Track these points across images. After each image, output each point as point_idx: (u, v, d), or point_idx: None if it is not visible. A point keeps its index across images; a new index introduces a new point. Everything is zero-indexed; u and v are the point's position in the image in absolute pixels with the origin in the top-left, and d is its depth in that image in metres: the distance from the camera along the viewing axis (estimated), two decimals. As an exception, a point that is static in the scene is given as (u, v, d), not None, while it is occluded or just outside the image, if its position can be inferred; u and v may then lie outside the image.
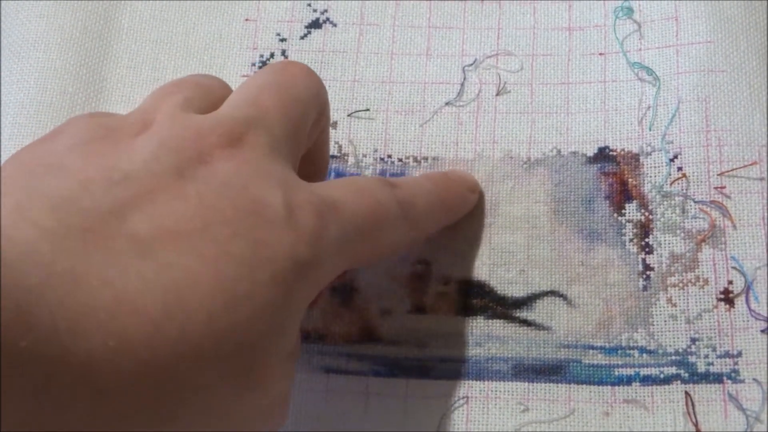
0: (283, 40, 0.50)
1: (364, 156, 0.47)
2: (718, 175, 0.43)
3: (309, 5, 0.51)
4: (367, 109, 0.48)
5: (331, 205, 0.34)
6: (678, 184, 0.43)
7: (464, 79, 0.48)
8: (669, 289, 0.42)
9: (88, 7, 0.51)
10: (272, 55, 0.50)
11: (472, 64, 0.48)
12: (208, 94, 0.36)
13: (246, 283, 0.30)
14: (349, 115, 0.48)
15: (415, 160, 0.47)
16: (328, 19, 0.50)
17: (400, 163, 0.47)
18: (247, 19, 0.51)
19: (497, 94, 0.47)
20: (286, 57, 0.50)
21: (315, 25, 0.50)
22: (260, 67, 0.49)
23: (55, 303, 0.26)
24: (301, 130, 0.37)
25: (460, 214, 0.44)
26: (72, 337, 0.26)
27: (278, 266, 0.31)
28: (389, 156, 0.47)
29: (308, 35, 0.50)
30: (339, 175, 0.47)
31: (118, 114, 0.36)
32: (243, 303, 0.29)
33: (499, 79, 0.48)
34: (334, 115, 0.48)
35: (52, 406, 0.25)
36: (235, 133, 0.33)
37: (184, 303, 0.28)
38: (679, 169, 0.44)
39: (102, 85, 0.49)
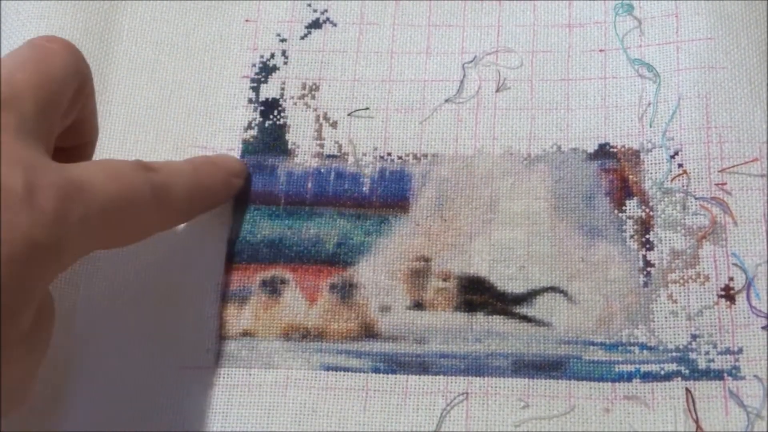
0: (283, 40, 0.50)
1: (364, 155, 0.47)
2: (718, 171, 0.43)
3: (309, 5, 0.51)
4: (367, 108, 0.48)
5: (78, 187, 0.34)
6: (678, 180, 0.43)
7: (464, 76, 0.48)
8: (669, 285, 0.42)
9: (89, 8, 0.51)
10: (272, 56, 0.50)
11: (471, 61, 0.48)
12: None
13: None
14: (349, 115, 0.48)
15: (415, 157, 0.47)
16: (328, 18, 0.50)
17: (399, 160, 0.47)
18: (247, 20, 0.51)
19: (497, 91, 0.47)
20: (286, 57, 0.50)
21: (315, 25, 0.50)
22: (261, 68, 0.49)
23: None
24: (55, 107, 0.37)
25: (223, 199, 0.45)
26: None
27: (11, 248, 0.30)
28: (389, 154, 0.47)
29: (308, 35, 0.50)
30: (339, 174, 0.47)
31: None
32: None
33: (499, 75, 0.48)
34: (334, 115, 0.48)
35: None
36: None
37: None
38: (680, 165, 0.44)
39: (103, 85, 0.49)
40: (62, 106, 0.37)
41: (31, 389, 0.36)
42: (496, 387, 0.42)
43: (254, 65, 0.50)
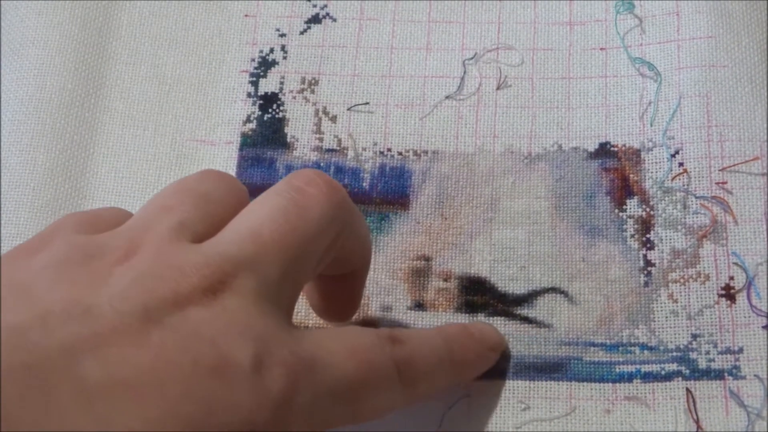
0: (282, 35, 0.50)
1: (364, 149, 0.47)
2: (719, 170, 0.43)
3: (308, 0, 0.50)
4: (367, 103, 0.48)
5: (309, 366, 0.31)
6: (679, 179, 0.43)
7: (464, 72, 0.48)
8: (670, 285, 0.42)
9: (87, 4, 0.51)
10: (272, 50, 0.49)
11: (472, 58, 0.48)
12: (209, 215, 0.33)
13: None
14: (348, 109, 0.48)
15: (415, 153, 0.46)
16: (327, 14, 0.50)
17: (399, 156, 0.46)
18: (246, 15, 0.50)
19: (498, 88, 0.47)
20: (285, 52, 0.49)
21: (315, 20, 0.50)
22: (260, 63, 0.49)
23: None
24: (304, 267, 0.34)
25: (475, 375, 0.41)
26: None
27: (230, 430, 0.28)
28: (389, 149, 0.47)
29: (308, 30, 0.50)
30: (338, 168, 0.46)
31: (114, 215, 0.34)
32: None
33: (500, 73, 0.48)
34: (333, 109, 0.48)
35: None
36: (221, 276, 0.30)
37: None
38: (681, 164, 0.44)
39: (101, 81, 0.49)
40: (314, 259, 0.34)
41: None
42: (497, 389, 0.42)
43: (253, 60, 0.49)
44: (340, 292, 0.39)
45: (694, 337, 0.41)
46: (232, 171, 0.47)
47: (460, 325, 0.41)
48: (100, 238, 0.31)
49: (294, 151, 0.47)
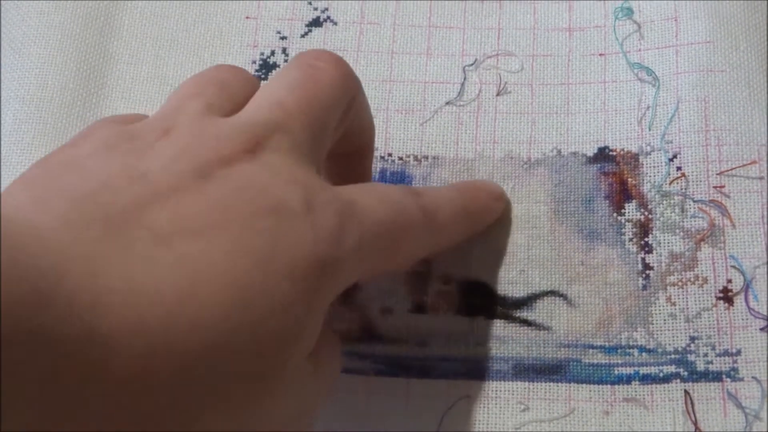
0: (283, 38, 0.50)
1: (364, 154, 0.47)
2: (717, 174, 0.43)
3: (309, 3, 0.51)
4: (367, 108, 0.48)
5: (352, 207, 0.33)
6: (677, 183, 0.44)
7: (464, 78, 0.48)
8: (668, 288, 0.42)
9: (89, 4, 0.51)
10: (272, 53, 0.50)
11: (472, 64, 0.48)
12: (231, 94, 0.36)
13: (263, 279, 0.29)
14: (349, 114, 0.48)
15: (416, 158, 0.47)
16: (328, 17, 0.50)
17: (400, 161, 0.47)
18: (247, 17, 0.51)
19: (497, 94, 0.47)
20: (286, 55, 0.50)
21: (315, 23, 0.50)
22: (261, 66, 0.49)
23: (73, 286, 0.26)
24: (325, 128, 0.36)
25: (485, 224, 0.44)
26: (89, 317, 0.25)
27: (297, 264, 0.30)
28: (389, 154, 0.47)
29: (309, 33, 0.50)
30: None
31: (140, 117, 0.36)
32: (259, 299, 0.29)
33: (500, 79, 0.48)
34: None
35: (62, 393, 0.25)
36: (257, 138, 0.33)
37: (197, 293, 0.28)
38: (679, 168, 0.44)
39: (102, 81, 0.49)
40: (332, 126, 0.37)
41: (312, 419, 0.35)
42: (496, 390, 0.42)
43: (254, 62, 0.50)
44: (351, 170, 0.41)
45: (692, 339, 0.41)
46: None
47: (467, 181, 0.45)
48: (136, 125, 0.34)
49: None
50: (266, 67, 0.49)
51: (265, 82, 0.37)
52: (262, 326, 0.29)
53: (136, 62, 0.50)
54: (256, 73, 0.49)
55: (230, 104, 0.35)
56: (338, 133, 0.38)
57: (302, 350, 0.32)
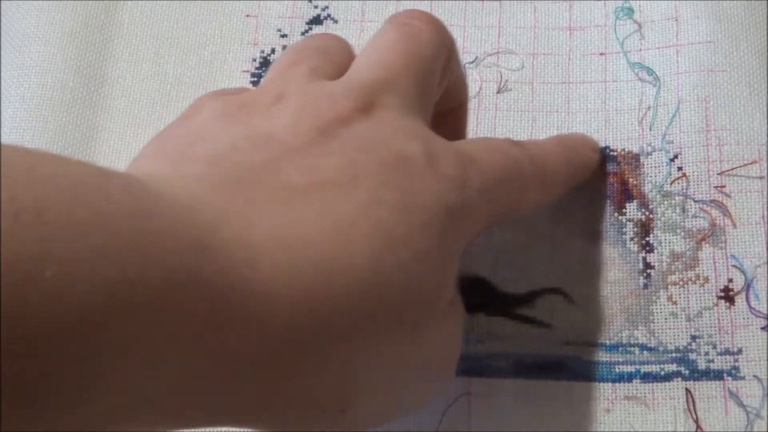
0: (284, 36, 0.50)
1: (364, 151, 0.47)
2: (718, 174, 0.44)
3: (310, 2, 0.51)
4: (368, 105, 0.48)
5: (469, 157, 0.34)
6: (678, 183, 0.44)
7: (465, 76, 0.48)
8: (669, 287, 0.42)
9: (89, 3, 0.51)
10: (273, 51, 0.50)
11: (473, 62, 0.48)
12: (332, 59, 0.37)
13: (402, 228, 0.30)
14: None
15: (415, 156, 0.47)
16: (329, 15, 0.50)
17: (400, 158, 0.47)
18: (247, 15, 0.51)
19: (498, 92, 0.48)
20: (287, 53, 0.50)
21: (316, 21, 0.50)
22: (261, 64, 0.50)
23: (230, 239, 0.26)
24: (430, 84, 0.37)
25: (585, 174, 0.44)
26: (249, 269, 0.26)
27: (430, 212, 0.31)
28: (389, 151, 0.47)
29: (309, 31, 0.50)
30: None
31: (245, 89, 0.37)
32: (401, 246, 0.30)
33: (500, 76, 0.48)
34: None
35: (223, 343, 0.26)
36: (368, 97, 0.33)
37: (348, 242, 0.29)
38: (680, 168, 0.44)
39: (102, 79, 0.49)
40: (435, 82, 0.37)
41: (456, 361, 0.36)
42: (497, 387, 0.42)
43: (254, 60, 0.50)
44: (449, 129, 0.40)
45: (694, 338, 0.41)
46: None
47: (562, 135, 0.46)
48: (243, 95, 0.35)
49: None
50: (266, 65, 0.49)
51: (367, 43, 0.38)
52: (408, 273, 0.30)
53: (136, 60, 0.50)
54: (256, 71, 0.49)
55: (332, 67, 0.36)
56: (440, 90, 0.39)
57: (445, 295, 0.33)
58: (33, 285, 0.20)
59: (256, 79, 0.49)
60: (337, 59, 0.37)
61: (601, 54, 0.48)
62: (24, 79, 0.49)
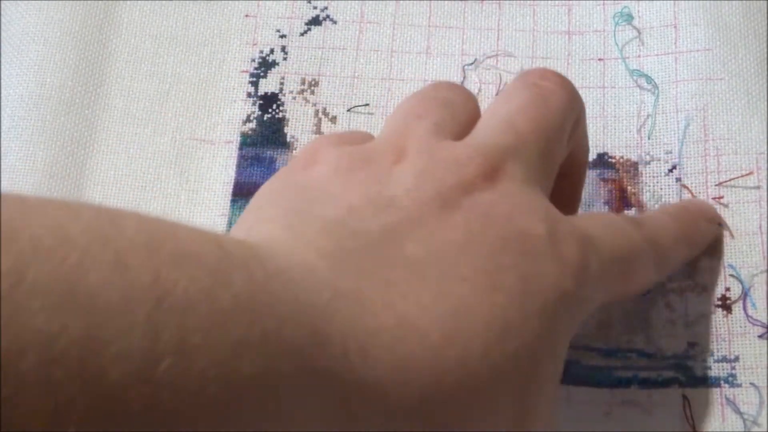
0: (283, 36, 0.50)
1: (364, 150, 0.47)
2: (716, 185, 0.44)
3: (309, 2, 0.51)
4: (367, 104, 0.48)
5: (590, 238, 0.33)
6: (677, 194, 0.44)
7: (464, 78, 0.48)
8: (668, 294, 0.43)
9: (88, 3, 0.51)
10: (272, 51, 0.50)
11: (472, 64, 0.49)
12: (457, 115, 0.36)
13: (517, 314, 0.29)
14: (348, 110, 0.48)
15: (414, 155, 0.47)
16: (328, 16, 0.51)
17: (399, 158, 0.47)
18: (247, 15, 0.51)
19: (497, 94, 0.48)
20: (285, 53, 0.50)
21: (315, 22, 0.50)
22: (260, 63, 0.50)
23: (344, 324, 0.26)
24: (556, 151, 0.36)
25: (703, 248, 0.43)
26: (362, 359, 0.26)
27: (546, 298, 0.30)
28: (388, 151, 0.47)
29: (308, 32, 0.50)
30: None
31: (359, 136, 0.36)
32: (514, 334, 0.29)
33: (500, 79, 0.48)
34: (333, 110, 0.48)
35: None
36: (493, 164, 0.32)
37: (462, 330, 0.28)
38: (678, 180, 0.45)
39: (101, 79, 0.49)
40: (562, 148, 0.36)
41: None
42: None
43: (253, 60, 0.50)
44: (564, 190, 0.40)
45: (691, 345, 0.42)
46: (232, 170, 0.47)
47: (679, 205, 0.44)
48: (367, 146, 0.34)
49: (294, 151, 0.48)
50: (265, 65, 0.50)
51: (494, 101, 0.37)
52: (518, 360, 0.29)
53: (136, 60, 0.50)
54: (255, 71, 0.49)
55: (456, 124, 0.35)
56: (565, 155, 0.38)
57: (546, 382, 0.32)
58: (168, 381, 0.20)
59: (254, 79, 0.49)
60: (462, 115, 0.36)
61: (599, 59, 0.48)
62: (23, 79, 0.49)
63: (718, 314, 0.42)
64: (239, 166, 0.47)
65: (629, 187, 0.45)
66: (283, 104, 0.49)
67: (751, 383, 0.41)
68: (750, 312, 0.42)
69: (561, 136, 0.36)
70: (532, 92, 0.36)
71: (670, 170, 0.45)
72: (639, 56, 0.48)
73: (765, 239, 0.43)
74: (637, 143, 0.46)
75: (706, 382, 0.41)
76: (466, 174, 0.32)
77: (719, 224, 0.43)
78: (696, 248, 0.42)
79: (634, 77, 0.47)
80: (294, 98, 0.49)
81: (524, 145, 0.34)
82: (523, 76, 0.37)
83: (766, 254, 0.43)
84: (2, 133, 0.48)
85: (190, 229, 0.24)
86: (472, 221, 0.30)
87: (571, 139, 0.37)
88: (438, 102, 0.36)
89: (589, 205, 0.45)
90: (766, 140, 0.44)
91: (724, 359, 0.42)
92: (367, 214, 0.30)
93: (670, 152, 0.45)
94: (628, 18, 0.48)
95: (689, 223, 0.42)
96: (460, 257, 0.29)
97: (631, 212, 0.45)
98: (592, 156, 0.46)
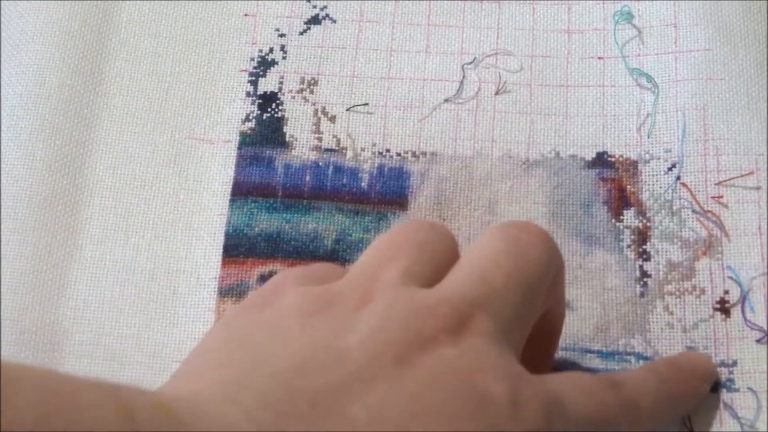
0: (282, 35, 0.50)
1: (363, 150, 0.47)
2: (715, 184, 0.44)
3: (308, 1, 0.51)
4: (366, 104, 0.48)
5: (558, 403, 0.31)
6: (676, 193, 0.44)
7: (463, 76, 0.48)
8: (666, 297, 0.43)
9: (87, 1, 0.51)
10: (271, 50, 0.50)
11: (471, 62, 0.48)
12: (432, 260, 0.34)
13: None
14: (347, 110, 0.48)
15: (414, 155, 0.47)
16: (327, 15, 0.50)
17: (398, 157, 0.47)
18: (246, 15, 0.51)
19: (496, 93, 0.48)
20: (285, 53, 0.50)
21: (314, 21, 0.50)
22: (259, 63, 0.49)
23: None
24: (531, 307, 0.34)
25: (691, 407, 0.40)
26: None
27: None
28: (387, 150, 0.47)
29: (307, 31, 0.50)
30: (337, 168, 0.47)
31: (332, 272, 0.35)
32: None
33: (499, 78, 0.48)
34: (332, 110, 0.48)
35: None
36: (460, 316, 0.31)
37: None
38: (678, 178, 0.44)
39: (100, 78, 0.49)
40: (537, 305, 0.35)
41: None
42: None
43: (253, 59, 0.50)
44: (536, 350, 0.38)
45: (689, 349, 0.42)
46: (231, 169, 0.47)
47: (669, 361, 0.41)
48: (331, 287, 0.33)
49: (293, 151, 0.47)
50: (264, 64, 0.49)
51: (470, 248, 0.35)
52: None
53: (135, 59, 0.50)
54: (254, 71, 0.49)
55: (430, 270, 0.34)
56: (540, 312, 0.36)
57: None
58: None
59: (254, 78, 0.49)
60: (437, 259, 0.34)
61: (599, 58, 0.48)
62: (22, 78, 0.49)
63: (717, 318, 0.42)
64: (238, 165, 0.47)
65: (629, 186, 0.45)
66: (282, 103, 0.48)
67: (748, 388, 0.41)
68: (748, 316, 0.42)
69: (536, 292, 0.34)
70: (510, 244, 0.34)
71: (670, 169, 0.45)
72: (639, 55, 0.47)
73: (764, 240, 0.43)
74: (637, 142, 0.46)
75: (704, 386, 0.41)
76: (428, 327, 0.30)
77: (716, 383, 0.41)
78: (684, 410, 0.40)
79: (634, 76, 0.47)
80: (293, 97, 0.49)
81: (496, 298, 0.32)
82: (504, 226, 0.36)
83: (765, 256, 0.42)
84: (2, 132, 0.48)
85: (96, 393, 0.23)
86: (426, 382, 0.29)
87: (547, 297, 0.36)
88: (414, 243, 0.35)
89: (588, 205, 0.45)
90: (766, 141, 0.44)
91: (722, 363, 0.41)
92: (315, 369, 0.29)
93: (670, 151, 0.45)
94: (628, 17, 0.48)
95: (677, 384, 0.39)
96: (410, 422, 0.28)
97: (631, 212, 0.44)
98: (591, 155, 0.46)
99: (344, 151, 0.47)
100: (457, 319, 0.31)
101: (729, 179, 0.44)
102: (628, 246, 0.44)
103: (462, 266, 0.34)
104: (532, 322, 0.35)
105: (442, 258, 0.35)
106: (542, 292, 0.35)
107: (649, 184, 0.45)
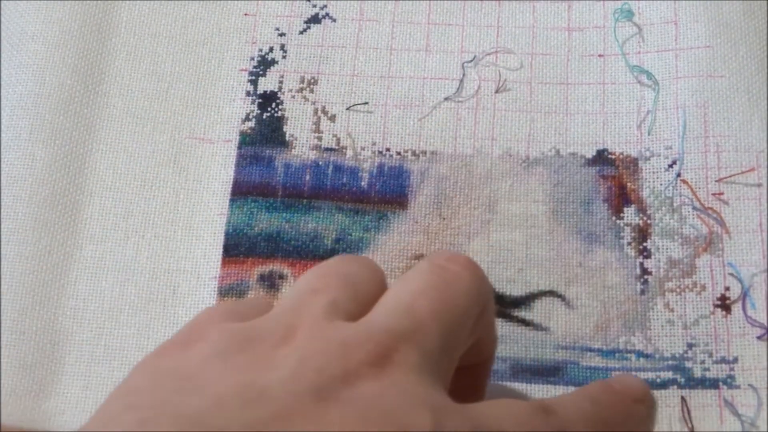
0: (282, 34, 0.50)
1: (363, 149, 0.47)
2: (716, 181, 0.44)
3: (308, 0, 0.51)
4: (366, 103, 0.48)
5: None
6: (676, 190, 0.44)
7: (463, 75, 0.48)
8: (666, 294, 0.43)
9: (87, 1, 0.51)
10: (271, 50, 0.50)
11: (471, 61, 0.48)
12: (357, 294, 0.34)
13: None
14: (347, 109, 0.48)
15: (414, 153, 0.47)
16: (327, 14, 0.50)
17: (398, 156, 0.47)
18: (246, 14, 0.51)
19: (497, 91, 0.48)
20: (284, 52, 0.50)
21: (314, 20, 0.50)
22: (259, 62, 0.49)
23: None
24: (458, 338, 0.33)
25: (627, 430, 0.38)
26: None
27: None
28: (387, 149, 0.47)
29: (307, 30, 0.50)
30: (337, 167, 0.47)
31: (260, 307, 0.35)
32: None
33: (499, 76, 0.48)
34: (332, 109, 0.48)
35: None
36: (384, 350, 0.30)
37: None
38: (678, 175, 0.44)
39: (100, 78, 0.49)
40: (465, 335, 0.34)
41: None
42: (494, 391, 0.42)
43: (252, 59, 0.50)
44: (467, 382, 0.38)
45: (690, 346, 0.42)
46: (231, 169, 0.47)
47: (602, 383, 0.38)
48: (255, 323, 0.32)
49: (293, 150, 0.47)
50: (264, 63, 0.49)
51: (393, 281, 0.35)
52: None
53: (135, 58, 0.50)
54: (254, 70, 0.49)
55: (355, 303, 0.33)
56: (468, 343, 0.35)
57: None
58: None
59: (254, 78, 0.49)
60: (363, 291, 0.34)
61: (599, 55, 0.48)
62: (22, 78, 0.49)
63: (718, 315, 0.42)
64: (238, 165, 0.47)
65: (629, 184, 0.45)
66: (282, 103, 0.48)
67: (749, 385, 0.41)
68: (749, 312, 0.42)
69: (464, 323, 0.34)
70: (436, 275, 0.34)
71: (670, 165, 0.45)
72: (639, 52, 0.47)
73: (765, 237, 0.43)
74: (637, 139, 0.46)
75: (704, 383, 0.41)
76: (351, 361, 0.30)
77: (651, 405, 0.38)
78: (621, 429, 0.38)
79: (635, 73, 0.47)
80: (293, 97, 0.48)
81: (422, 330, 0.32)
82: (431, 257, 0.35)
83: (766, 253, 0.42)
84: (2, 131, 0.48)
85: None
86: (347, 418, 0.28)
87: (476, 327, 0.35)
88: (339, 277, 0.34)
89: (588, 203, 0.45)
90: (766, 138, 0.44)
91: (723, 360, 0.41)
92: (234, 408, 0.28)
93: (670, 148, 0.45)
94: (629, 14, 0.48)
95: (611, 407, 0.37)
96: None
97: (631, 209, 0.44)
98: (591, 152, 0.46)
99: (344, 150, 0.47)
100: (381, 351, 0.30)
101: (729, 176, 0.44)
102: (629, 243, 0.44)
103: (388, 299, 0.33)
104: (461, 352, 0.34)
105: (368, 291, 0.34)
106: (470, 322, 0.34)
107: (649, 182, 0.45)
